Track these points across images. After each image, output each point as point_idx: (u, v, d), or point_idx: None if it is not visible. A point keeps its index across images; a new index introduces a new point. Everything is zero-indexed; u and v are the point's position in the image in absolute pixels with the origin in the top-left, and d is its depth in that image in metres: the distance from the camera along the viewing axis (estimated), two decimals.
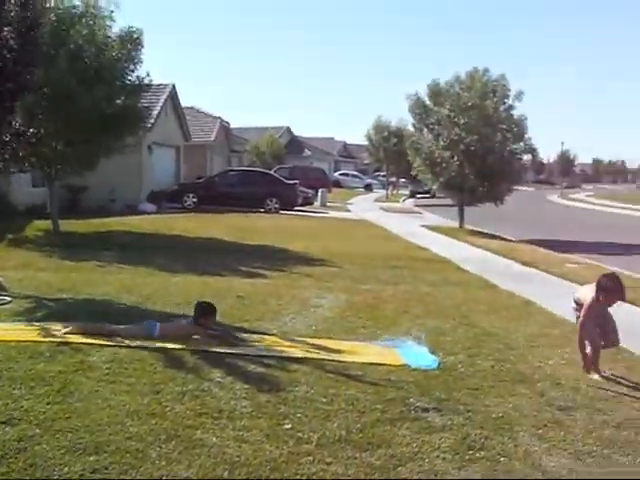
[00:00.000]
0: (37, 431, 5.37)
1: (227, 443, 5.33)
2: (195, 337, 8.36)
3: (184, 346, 7.92)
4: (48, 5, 18.36)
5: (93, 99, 18.58)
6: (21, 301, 10.31)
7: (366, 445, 5.47)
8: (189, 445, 5.26)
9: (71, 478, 4.65)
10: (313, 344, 8.43)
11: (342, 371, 7.37)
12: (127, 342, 7.96)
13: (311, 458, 5.17)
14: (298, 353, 8.02)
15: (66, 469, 4.77)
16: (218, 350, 7.85)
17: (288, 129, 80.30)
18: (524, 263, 17.89)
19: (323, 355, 7.95)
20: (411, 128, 32.28)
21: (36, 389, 6.31)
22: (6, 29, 11.28)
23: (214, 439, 5.40)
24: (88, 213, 25.80)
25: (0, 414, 5.69)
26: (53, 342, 7.84)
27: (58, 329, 8.30)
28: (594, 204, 66.43)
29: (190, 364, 7.35)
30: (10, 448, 5.05)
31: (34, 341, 7.86)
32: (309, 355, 7.93)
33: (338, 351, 8.15)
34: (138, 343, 7.91)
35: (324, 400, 6.42)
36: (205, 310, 8.65)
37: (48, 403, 5.98)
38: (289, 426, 5.75)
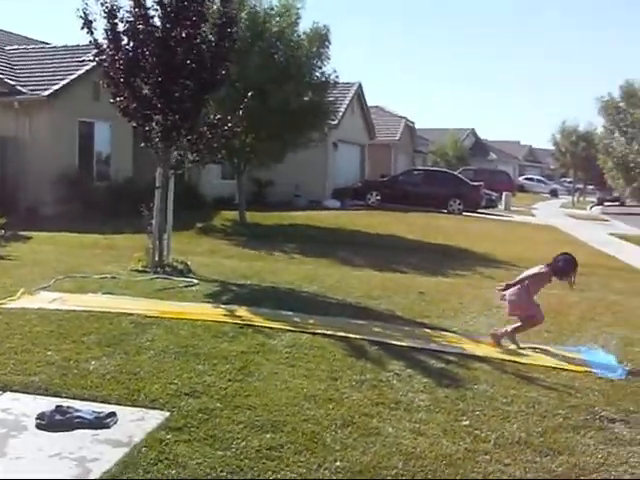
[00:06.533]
0: (218, 405, 5.50)
1: (403, 434, 5.23)
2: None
3: (364, 336, 7.92)
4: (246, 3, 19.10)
5: (282, 95, 19.03)
6: (208, 284, 10.70)
7: (547, 450, 5.19)
8: (364, 433, 5.20)
9: (248, 452, 4.71)
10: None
11: (524, 373, 7.09)
12: (310, 328, 8.06)
13: (488, 457, 4.97)
14: (479, 352, 7.80)
15: (244, 443, 4.84)
16: (398, 343, 7.77)
17: (473, 131, 79.19)
18: None
19: (505, 356, 7.70)
20: (600, 131, 30.97)
21: (218, 366, 6.48)
22: (205, 25, 11.77)
23: (390, 429, 5.30)
24: (273, 207, 26.46)
25: (184, 386, 5.87)
26: (237, 324, 8.06)
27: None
28: None
29: (369, 354, 7.31)
30: (193, 418, 5.20)
31: (219, 321, 8.11)
32: (490, 354, 7.70)
33: (521, 353, 7.87)
34: (320, 330, 7.98)
35: (504, 400, 6.18)
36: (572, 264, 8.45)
37: (229, 380, 6.12)
38: (467, 423, 5.57)
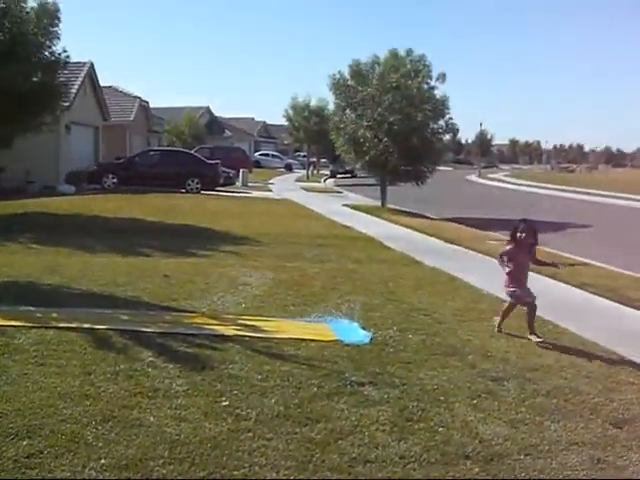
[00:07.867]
0: None
1: (165, 422, 5.26)
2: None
3: (113, 326, 7.79)
4: None
5: (8, 74, 17.99)
6: None
7: (305, 420, 5.46)
8: (126, 425, 5.16)
9: (5, 464, 4.50)
10: (244, 322, 8.38)
11: (275, 348, 7.34)
12: (55, 323, 7.77)
13: (251, 434, 5.14)
14: (229, 331, 7.94)
15: None
16: (148, 330, 7.72)
17: (208, 109, 79.47)
18: (447, 240, 18.09)
19: (255, 333, 7.90)
20: (332, 107, 32.31)
21: None
22: None
23: (152, 418, 5.31)
24: (3, 195, 25.01)
25: None
26: None
27: None
28: (511, 183, 67.82)
29: (120, 344, 7.20)
30: None
31: None
32: (241, 333, 7.86)
33: (269, 329, 8.11)
34: (65, 324, 7.73)
35: (259, 377, 6.38)
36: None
37: None
38: (226, 403, 5.70)
